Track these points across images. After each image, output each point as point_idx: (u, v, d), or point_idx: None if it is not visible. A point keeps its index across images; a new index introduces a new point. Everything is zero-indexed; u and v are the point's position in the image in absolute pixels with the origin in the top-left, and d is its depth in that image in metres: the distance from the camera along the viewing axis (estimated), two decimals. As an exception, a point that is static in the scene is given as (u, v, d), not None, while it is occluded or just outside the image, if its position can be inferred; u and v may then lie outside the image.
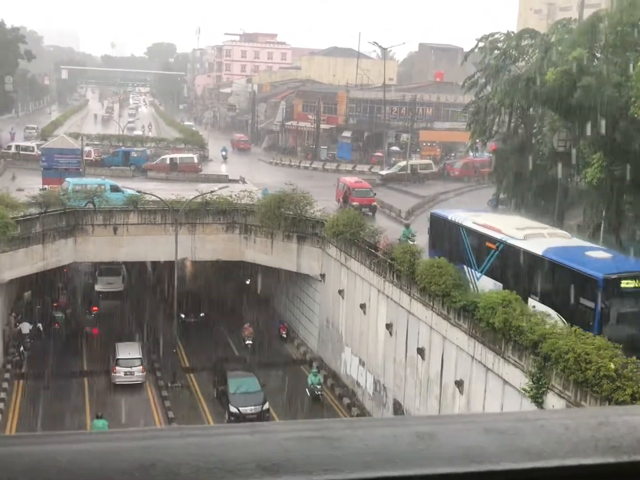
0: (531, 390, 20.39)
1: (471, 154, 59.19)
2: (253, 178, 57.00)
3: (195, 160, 62.82)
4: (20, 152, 63.16)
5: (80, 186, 41.68)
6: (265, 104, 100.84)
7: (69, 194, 39.46)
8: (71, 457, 1.06)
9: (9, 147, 64.75)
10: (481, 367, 23.34)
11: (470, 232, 26.62)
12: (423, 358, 27.00)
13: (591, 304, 20.52)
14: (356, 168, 68.33)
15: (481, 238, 25.88)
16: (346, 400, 32.83)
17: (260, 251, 39.33)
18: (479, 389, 23.63)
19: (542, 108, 34.97)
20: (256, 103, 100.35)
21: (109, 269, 44.76)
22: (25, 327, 36.68)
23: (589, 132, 28.28)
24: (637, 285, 20.53)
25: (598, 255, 22.00)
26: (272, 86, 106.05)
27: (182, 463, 1.07)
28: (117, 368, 33.44)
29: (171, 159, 61.42)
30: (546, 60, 33.18)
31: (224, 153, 72.88)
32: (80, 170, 50.42)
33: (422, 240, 30.68)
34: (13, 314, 38.79)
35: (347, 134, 78.30)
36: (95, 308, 42.43)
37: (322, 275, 36.88)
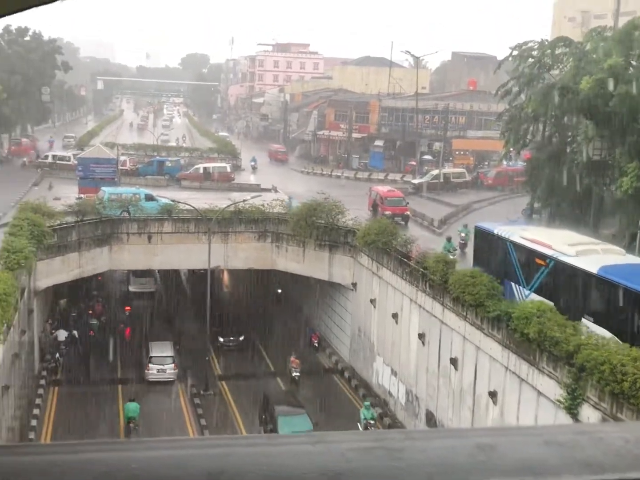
0: (566, 401, 20.13)
1: (505, 162, 58.79)
2: (285, 187, 57.19)
3: (228, 170, 63.24)
4: (57, 161, 64.15)
5: (115, 195, 42.20)
6: (297, 113, 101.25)
7: (105, 202, 39.96)
8: (143, 464, 1.09)
9: (46, 157, 65.80)
10: (515, 377, 23.11)
11: (517, 247, 25.39)
12: (456, 368, 26.80)
13: None
14: (388, 177, 68.21)
15: (530, 254, 24.65)
16: (378, 410, 32.67)
17: (292, 260, 39.43)
18: (512, 400, 23.39)
19: (577, 117, 34.68)
20: (288, 112, 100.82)
21: (142, 270, 45.72)
22: (61, 334, 37.15)
23: (624, 140, 27.93)
24: None
25: None
26: (304, 96, 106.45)
27: (249, 472, 1.10)
28: (150, 365, 34.76)
29: (204, 169, 61.92)
30: (581, 69, 32.91)
31: (252, 163, 73.06)
32: (116, 179, 51.02)
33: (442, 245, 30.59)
34: (49, 321, 39.33)
35: (379, 142, 78.24)
36: (128, 308, 43.79)
37: (354, 284, 36.84)
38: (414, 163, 70.65)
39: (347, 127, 79.70)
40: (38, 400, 31.80)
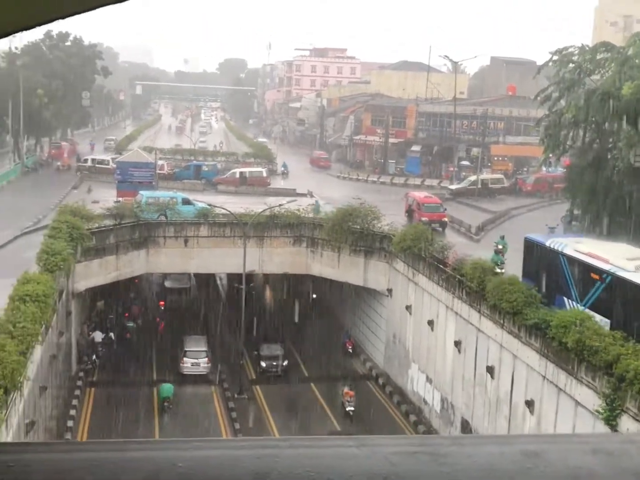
0: (604, 412, 19.75)
1: (544, 169, 58.07)
2: (321, 192, 57.21)
3: (264, 174, 63.50)
4: (96, 165, 65.03)
5: (153, 199, 42.60)
6: (334, 118, 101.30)
7: (142, 206, 40.35)
8: (190, 464, 1.10)
9: (85, 161, 66.74)
10: (553, 387, 22.75)
11: (571, 260, 24.42)
12: (492, 377, 26.48)
13: None
14: (425, 182, 67.87)
15: (584, 268, 23.72)
16: (413, 418, 32.45)
17: (326, 265, 39.38)
18: (550, 409, 23.02)
19: (618, 122, 34.08)
20: (325, 117, 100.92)
21: None
22: (98, 336, 37.57)
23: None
24: None
25: None
26: (341, 100, 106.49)
27: (295, 474, 1.10)
28: (185, 359, 35.79)
29: (241, 173, 62.25)
30: (623, 74, 32.36)
31: (283, 169, 72.98)
32: (154, 183, 51.53)
33: (479, 252, 30.17)
34: (86, 323, 39.79)
35: (416, 148, 77.87)
36: (162, 303, 45.36)
37: (389, 290, 36.65)
38: (452, 169, 70.05)
39: (383, 132, 79.48)
40: (74, 401, 32.14)
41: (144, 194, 43.55)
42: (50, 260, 27.70)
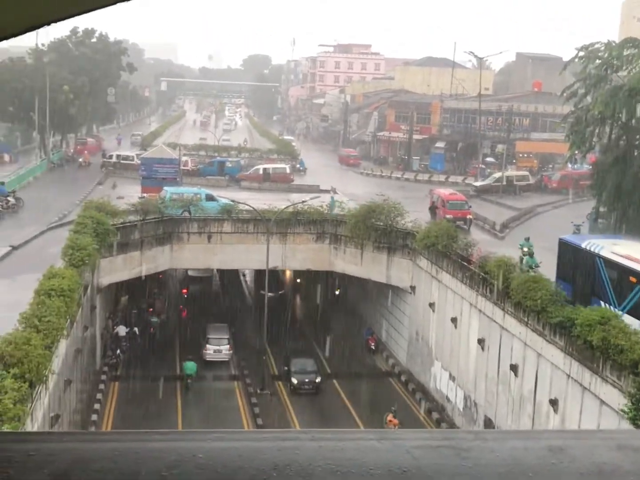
0: (630, 411, 19.53)
1: (570, 165, 57.57)
2: (344, 188, 57.16)
3: (288, 171, 63.57)
4: (121, 161, 65.51)
5: (177, 195, 42.82)
6: (357, 114, 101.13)
7: (166, 202, 40.58)
8: (210, 454, 1.10)
9: (110, 157, 67.24)
10: (577, 386, 22.56)
11: (609, 263, 23.77)
12: (516, 375, 26.31)
13: None
14: (449, 179, 67.56)
15: (623, 271, 23.03)
16: (435, 415, 32.36)
17: (349, 262, 39.35)
18: (574, 408, 22.83)
19: (646, 119, 33.67)
20: (348, 113, 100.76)
21: None
22: (122, 331, 37.86)
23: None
24: None
25: None
26: (365, 96, 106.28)
27: (316, 466, 1.10)
28: (208, 346, 36.80)
29: (264, 169, 62.36)
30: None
31: (299, 166, 72.57)
32: (178, 179, 51.79)
33: (504, 250, 29.95)
34: (111, 318, 40.12)
35: (440, 144, 77.52)
36: (185, 290, 46.50)
37: (412, 288, 36.53)
38: (482, 165, 69.50)
39: (407, 128, 79.19)
40: (99, 395, 32.45)
41: (168, 190, 43.79)
42: (76, 255, 27.94)
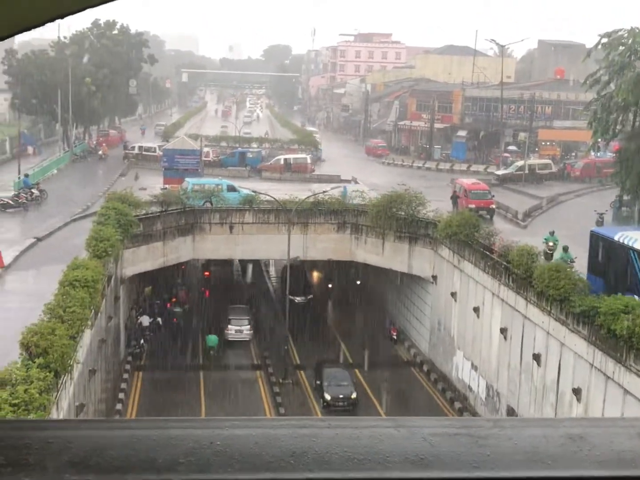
0: (655, 402, 19.39)
1: (593, 153, 56.93)
2: (365, 178, 57.04)
3: (308, 161, 63.53)
4: (143, 152, 65.83)
5: (198, 186, 43.00)
6: (378, 103, 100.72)
7: (188, 193, 40.77)
8: (228, 442, 1.11)
9: (132, 148, 67.59)
10: (600, 375, 22.42)
11: None
12: (539, 364, 26.19)
13: None
14: (471, 168, 67.16)
15: None
16: (457, 405, 32.32)
17: (371, 251, 39.31)
18: (597, 397, 22.70)
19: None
20: (369, 103, 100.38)
21: None
22: (145, 321, 38.17)
23: None
24: None
25: None
26: (386, 86, 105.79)
27: (333, 453, 1.10)
28: (229, 326, 38.13)
29: (285, 160, 62.37)
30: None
31: (319, 156, 71.88)
32: (199, 170, 51.96)
33: (526, 239, 29.78)
34: (134, 308, 40.44)
35: (462, 133, 77.04)
36: (207, 273, 47.69)
37: (434, 277, 36.44)
38: (504, 154, 68.93)
39: (429, 117, 78.77)
40: (123, 385, 32.77)
41: (190, 181, 43.97)
42: (99, 246, 28.18)
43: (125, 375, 33.86)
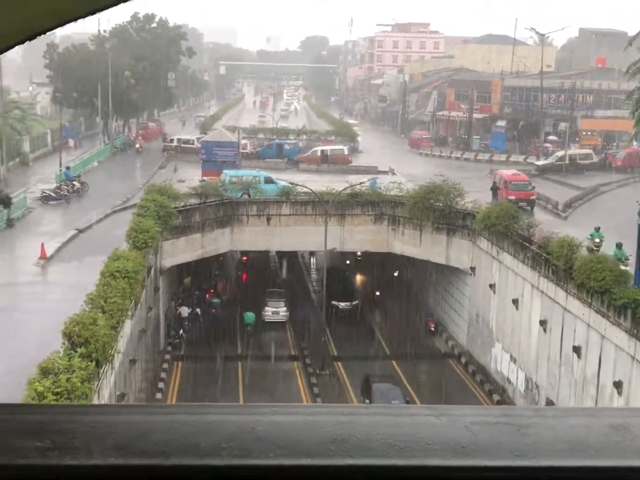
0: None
1: (635, 143, 55.93)
2: (403, 169, 56.75)
3: (346, 152, 63.40)
4: (182, 145, 66.34)
5: (236, 178, 43.22)
6: (416, 94, 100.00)
7: (226, 185, 41.01)
8: (268, 428, 1.12)
9: (171, 141, 68.16)
10: (643, 369, 22.06)
11: None
12: (579, 357, 25.87)
13: None
14: (510, 158, 66.41)
15: None
16: (496, 397, 32.10)
17: (408, 243, 39.15)
18: (639, 390, 22.34)
19: None
20: (407, 93, 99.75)
21: None
22: (184, 311, 38.56)
23: None
24: None
25: None
26: (424, 76, 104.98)
27: (374, 440, 1.10)
28: (266, 308, 39.83)
29: (322, 151, 62.31)
30: None
31: (356, 147, 71.07)
32: (237, 162, 52.20)
33: (566, 230, 29.34)
34: (173, 299, 40.88)
35: (501, 123, 76.17)
36: (245, 258, 48.25)
37: (472, 269, 36.17)
38: (545, 144, 67.92)
39: (467, 107, 78.03)
40: (163, 374, 33.17)
41: (228, 173, 44.20)
42: (139, 237, 28.51)
43: (165, 365, 34.26)
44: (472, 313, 36.52)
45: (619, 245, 27.81)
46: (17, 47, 1.30)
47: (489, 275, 34.00)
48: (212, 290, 43.27)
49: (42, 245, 32.39)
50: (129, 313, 23.72)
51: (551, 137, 70.12)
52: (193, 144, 64.44)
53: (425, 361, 36.13)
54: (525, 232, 31.01)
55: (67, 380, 16.36)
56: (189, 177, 47.57)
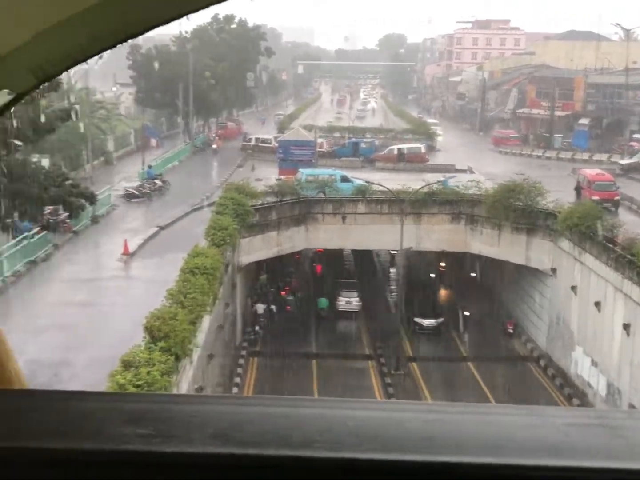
0: None
1: None
2: (481, 168, 55.88)
3: (423, 151, 62.84)
4: (259, 144, 67.13)
5: (312, 176, 43.43)
6: (495, 91, 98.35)
7: (302, 183, 41.26)
8: (359, 422, 1.13)
9: (250, 140, 69.04)
10: None
11: None
12: (665, 363, 24.96)
13: None
14: (593, 157, 64.56)
15: None
16: (576, 401, 31.28)
17: (486, 243, 38.54)
18: None
19: None
20: (486, 91, 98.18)
21: None
22: (260, 308, 39.02)
23: None
24: None
25: None
26: (504, 73, 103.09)
27: (465, 438, 1.10)
28: (340, 298, 40.86)
29: (398, 149, 61.95)
30: None
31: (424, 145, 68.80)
32: (313, 161, 52.45)
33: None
34: (250, 296, 41.42)
35: (584, 121, 74.13)
36: (320, 250, 47.44)
37: (553, 270, 35.32)
38: (632, 143, 65.55)
39: (549, 105, 76.24)
40: (239, 370, 33.64)
41: (304, 172, 44.46)
42: (218, 235, 29.02)
43: (241, 361, 34.73)
44: (552, 315, 35.67)
45: None
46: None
47: (571, 276, 33.14)
48: (288, 288, 43.63)
49: (125, 241, 33.34)
50: (208, 309, 24.15)
51: (637, 136, 67.83)
52: (270, 143, 65.10)
53: (503, 363, 35.48)
54: (609, 233, 30.12)
55: (148, 373, 16.78)
56: (266, 176, 48.07)
